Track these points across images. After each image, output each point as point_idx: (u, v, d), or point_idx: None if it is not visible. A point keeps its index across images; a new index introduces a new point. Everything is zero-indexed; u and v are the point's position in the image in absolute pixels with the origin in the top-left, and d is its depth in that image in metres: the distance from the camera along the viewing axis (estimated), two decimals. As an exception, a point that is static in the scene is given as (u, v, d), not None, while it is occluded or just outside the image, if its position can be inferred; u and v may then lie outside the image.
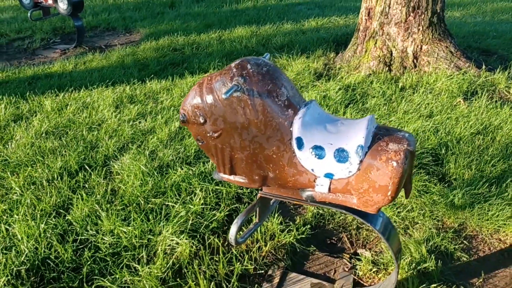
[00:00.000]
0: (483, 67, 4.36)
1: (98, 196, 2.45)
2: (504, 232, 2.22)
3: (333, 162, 1.48)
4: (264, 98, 1.50)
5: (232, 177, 1.73)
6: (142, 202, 2.40)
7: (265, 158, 1.58)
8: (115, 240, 2.16)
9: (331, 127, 1.55)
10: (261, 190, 1.75)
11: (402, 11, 4.44)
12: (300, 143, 1.50)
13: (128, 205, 2.40)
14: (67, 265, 2.04)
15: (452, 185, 2.54)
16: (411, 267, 1.99)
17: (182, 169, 2.65)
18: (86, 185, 2.58)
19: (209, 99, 1.55)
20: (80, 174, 2.65)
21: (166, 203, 2.40)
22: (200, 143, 1.68)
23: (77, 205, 2.38)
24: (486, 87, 3.96)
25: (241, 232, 2.21)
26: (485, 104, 3.52)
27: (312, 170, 1.52)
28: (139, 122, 3.31)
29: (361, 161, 1.44)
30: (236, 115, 1.53)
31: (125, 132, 3.15)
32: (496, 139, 3.00)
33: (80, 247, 2.15)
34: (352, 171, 1.46)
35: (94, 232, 2.22)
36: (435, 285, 1.89)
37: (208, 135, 1.62)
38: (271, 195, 1.73)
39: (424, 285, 1.88)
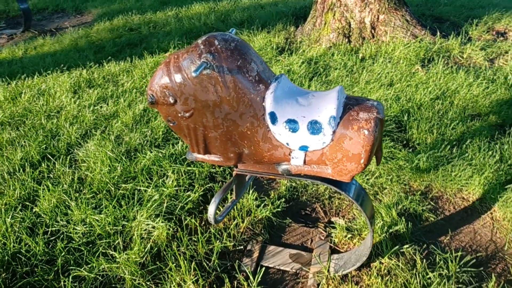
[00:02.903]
0: (438, 34, 4.49)
1: (65, 185, 2.37)
2: (466, 191, 2.34)
3: (307, 135, 1.49)
4: (234, 74, 1.48)
5: (206, 157, 1.71)
6: (113, 188, 2.35)
7: (240, 135, 1.57)
8: (88, 229, 2.11)
9: (303, 100, 1.56)
10: (236, 167, 1.75)
11: (358, -19, 4.47)
12: (273, 117, 1.50)
13: (98, 192, 2.34)
14: (40, 258, 1.98)
15: (416, 150, 2.64)
16: (384, 230, 2.07)
17: (152, 152, 2.60)
18: (51, 175, 2.49)
19: (178, 78, 1.51)
20: (43, 164, 2.55)
21: (138, 187, 2.36)
22: (171, 124, 1.65)
23: (43, 196, 2.30)
24: (442, 54, 4.09)
25: (218, 211, 2.22)
26: (441, 70, 3.64)
27: (287, 143, 1.53)
28: (101, 107, 3.21)
29: (334, 132, 1.47)
30: (207, 93, 1.51)
31: (87, 118, 3.04)
32: (454, 103, 3.13)
33: (51, 238, 2.09)
34: (326, 142, 1.48)
35: (65, 223, 2.16)
36: (407, 246, 1.98)
37: (179, 115, 1.59)
38: (247, 171, 1.74)
39: (397, 246, 1.96)
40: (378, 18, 4.59)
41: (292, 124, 1.50)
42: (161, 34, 4.83)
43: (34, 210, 2.23)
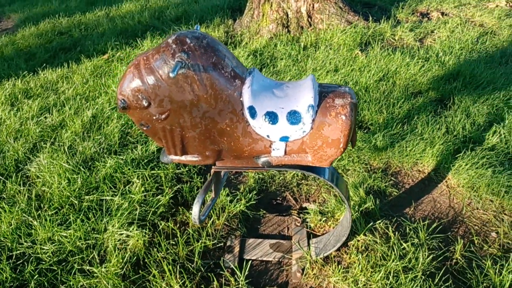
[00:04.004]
0: (370, 19, 4.72)
1: (22, 204, 2.21)
2: (421, 163, 2.52)
3: (286, 125, 1.52)
4: (210, 72, 1.47)
5: (183, 157, 1.69)
6: (76, 201, 2.23)
7: (219, 132, 1.57)
8: (57, 247, 1.99)
9: (278, 91, 1.59)
10: (214, 165, 1.74)
11: (291, -29, 4.56)
12: (252, 111, 1.52)
13: (60, 207, 2.21)
14: (8, 285, 1.84)
15: (371, 130, 2.78)
16: (355, 209, 2.17)
17: (111, 159, 2.50)
18: (4, 196, 2.31)
19: (150, 80, 1.47)
20: (-7, 185, 2.36)
21: (103, 197, 2.26)
22: (144, 128, 1.60)
23: (0, 219, 2.13)
24: (376, 37, 4.31)
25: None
26: (379, 53, 3.84)
27: (268, 136, 1.55)
28: (45, 118, 3.01)
29: (313, 120, 1.51)
30: (183, 92, 1.48)
31: (31, 130, 2.84)
32: (396, 83, 3.32)
33: (18, 263, 1.95)
34: (306, 131, 1.52)
35: (30, 244, 2.02)
36: (379, 221, 2.10)
37: (154, 118, 1.55)
38: (226, 167, 1.74)
39: (371, 223, 2.07)
40: (313, 7, 4.72)
41: (272, 116, 1.52)
42: (95, 36, 4.61)
43: (-9, 235, 2.06)
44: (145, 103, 1.51)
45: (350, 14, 4.79)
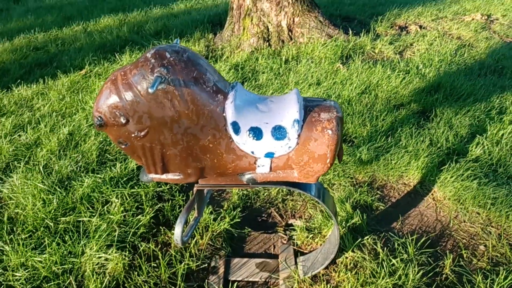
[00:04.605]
0: (350, 32, 4.75)
1: (-7, 228, 2.09)
2: (407, 176, 2.49)
3: (271, 141, 1.47)
4: (191, 87, 1.41)
5: (164, 176, 1.62)
6: (51, 224, 2.12)
7: (201, 149, 1.50)
8: (30, 273, 1.88)
9: (262, 106, 1.54)
10: (197, 183, 1.67)
11: (271, -14, 4.57)
12: (236, 127, 1.46)
13: (35, 230, 2.09)
14: (-24, 316, 1.72)
15: (355, 144, 2.75)
16: (342, 225, 2.12)
17: (88, 178, 2.40)
18: (-26, 219, 2.18)
19: (128, 96, 1.41)
20: (-39, 209, 2.23)
21: (80, 219, 2.15)
22: (122, 146, 1.53)
23: (-31, 245, 2.01)
24: (357, 50, 4.33)
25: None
26: (360, 66, 3.85)
27: (252, 152, 1.49)
28: (19, 136, 2.89)
29: (299, 135, 1.46)
30: (164, 109, 1.42)
31: (4, 149, 2.72)
32: (378, 96, 3.32)
33: (-12, 292, 1.82)
34: (291, 146, 1.48)
35: (1, 271, 1.90)
36: (367, 237, 2.05)
37: (132, 135, 1.48)
38: (209, 185, 1.67)
39: (359, 239, 2.02)
40: (293, 21, 4.73)
41: (256, 131, 1.47)
42: (72, 51, 4.51)
43: (-42, 262, 1.94)
44: (123, 120, 1.44)
45: (330, 27, 4.82)
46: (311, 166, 1.51)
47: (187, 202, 1.68)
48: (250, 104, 1.53)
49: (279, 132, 1.46)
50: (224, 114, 1.46)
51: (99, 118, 1.46)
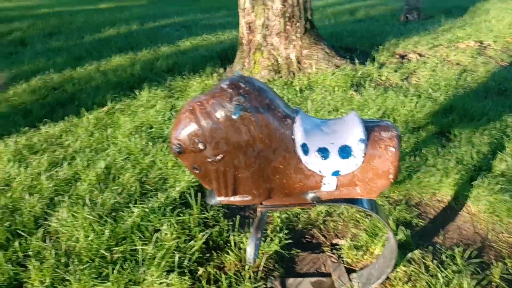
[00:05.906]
0: (357, 61, 4.98)
1: (51, 260, 2.13)
2: (439, 193, 2.61)
3: (338, 160, 1.59)
4: (265, 113, 1.54)
5: (232, 198, 1.71)
6: (107, 253, 2.17)
7: (272, 171, 1.61)
8: (95, 302, 1.92)
9: (325, 128, 1.67)
10: (261, 204, 1.76)
11: (280, 22, 4.81)
12: (305, 148, 1.58)
13: (91, 260, 2.14)
14: None
15: (384, 165, 2.87)
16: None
17: (136, 208, 2.46)
18: (30, 253, 2.22)
19: (207, 123, 1.53)
20: (15, 243, 2.26)
21: (134, 247, 2.21)
22: (196, 171, 1.63)
23: (29, 277, 2.04)
24: (365, 78, 4.54)
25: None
26: (374, 92, 4.04)
27: (320, 171, 1.60)
28: (56, 172, 2.96)
29: (365, 153, 1.58)
30: (240, 134, 1.54)
31: (44, 185, 2.78)
32: (396, 119, 3.49)
33: (56, 322, 1.86)
34: (358, 164, 1.59)
35: (66, 301, 1.94)
36: (416, 251, 2.14)
37: (208, 160, 1.58)
38: (273, 206, 1.76)
39: (409, 253, 2.11)
40: (302, 53, 4.95)
41: (323, 151, 1.58)
42: (90, 90, 4.63)
43: (21, 295, 1.97)
44: (201, 146, 1.55)
45: (337, 58, 5.05)
46: (375, 182, 1.62)
47: (254, 223, 1.77)
48: (315, 127, 1.65)
49: (345, 151, 1.58)
50: (293, 137, 1.58)
51: (178, 145, 1.56)
